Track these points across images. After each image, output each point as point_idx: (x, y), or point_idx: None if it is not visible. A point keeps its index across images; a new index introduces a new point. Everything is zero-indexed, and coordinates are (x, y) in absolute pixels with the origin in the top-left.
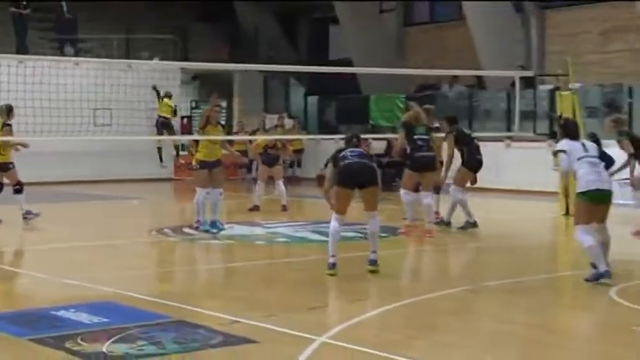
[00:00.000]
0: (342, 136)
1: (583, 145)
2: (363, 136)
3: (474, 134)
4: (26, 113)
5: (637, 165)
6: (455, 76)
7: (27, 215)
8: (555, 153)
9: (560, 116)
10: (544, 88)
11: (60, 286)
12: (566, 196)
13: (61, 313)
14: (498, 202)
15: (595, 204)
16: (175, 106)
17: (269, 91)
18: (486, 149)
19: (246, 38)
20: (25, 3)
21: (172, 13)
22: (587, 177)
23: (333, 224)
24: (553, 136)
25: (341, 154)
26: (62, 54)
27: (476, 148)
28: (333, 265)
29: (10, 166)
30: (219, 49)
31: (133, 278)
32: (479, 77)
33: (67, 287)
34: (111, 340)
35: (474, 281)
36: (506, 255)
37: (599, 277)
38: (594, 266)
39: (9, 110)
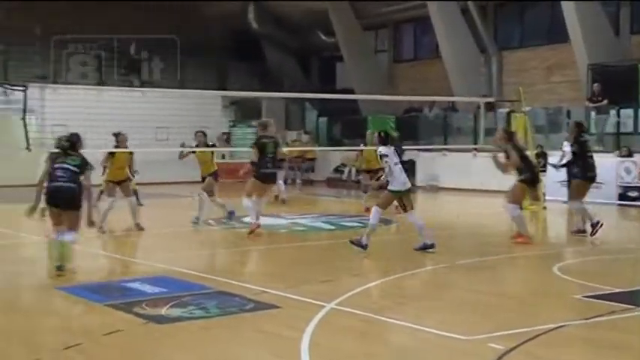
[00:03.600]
0: (347, 148)
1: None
2: (361, 148)
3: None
4: (106, 132)
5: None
6: (433, 102)
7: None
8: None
9: None
10: (502, 110)
11: (129, 263)
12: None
13: (130, 284)
14: (469, 200)
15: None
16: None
17: (289, 113)
18: (457, 159)
19: (272, 73)
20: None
21: (215, 53)
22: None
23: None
24: None
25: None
26: (131, 86)
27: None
28: None
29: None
30: (251, 81)
31: (184, 258)
32: (452, 102)
33: (135, 265)
34: (168, 306)
35: (449, 260)
36: (474, 239)
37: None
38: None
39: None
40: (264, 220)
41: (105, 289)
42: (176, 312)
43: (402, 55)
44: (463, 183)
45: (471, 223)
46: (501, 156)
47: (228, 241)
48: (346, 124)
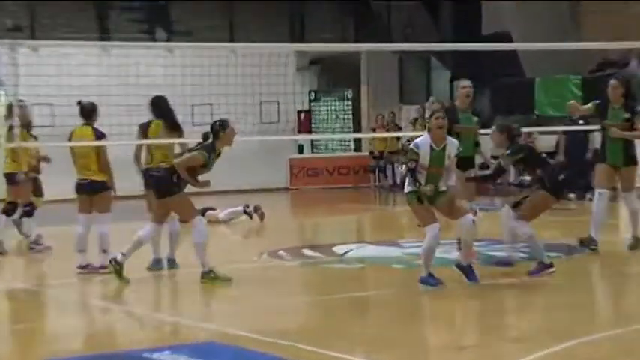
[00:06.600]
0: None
1: None
2: (526, 129)
3: None
4: (109, 112)
5: None
6: None
7: (35, 245)
8: None
9: None
10: None
11: (154, 322)
12: None
13: (155, 355)
14: None
15: None
16: None
17: (405, 77)
18: None
19: (376, 15)
20: None
21: None
22: None
23: None
24: None
25: None
26: (153, 39)
27: None
28: None
29: (19, 178)
30: (343, 29)
31: (241, 312)
32: None
33: (163, 324)
34: None
35: None
36: None
37: None
38: None
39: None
40: (372, 251)
41: None
42: None
43: None
44: None
45: None
46: None
47: (310, 283)
48: (499, 92)
